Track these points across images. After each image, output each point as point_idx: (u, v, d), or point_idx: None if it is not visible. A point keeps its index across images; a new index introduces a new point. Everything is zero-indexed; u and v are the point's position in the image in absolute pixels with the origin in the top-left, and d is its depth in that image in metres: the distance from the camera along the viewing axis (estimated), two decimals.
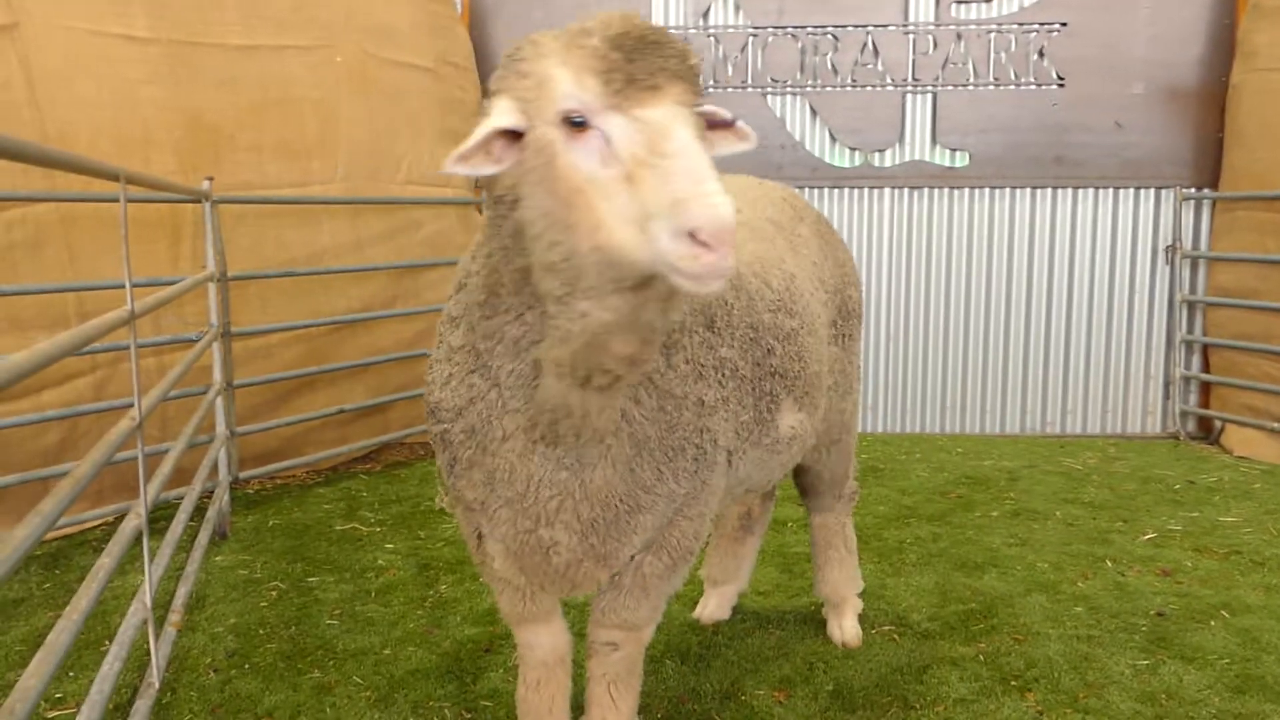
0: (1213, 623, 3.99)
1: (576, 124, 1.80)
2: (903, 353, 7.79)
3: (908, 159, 7.60)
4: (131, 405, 3.01)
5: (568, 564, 2.38)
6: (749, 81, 7.59)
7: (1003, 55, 7.45)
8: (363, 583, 4.47)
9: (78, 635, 2.24)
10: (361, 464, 6.60)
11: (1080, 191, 7.55)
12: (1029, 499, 5.78)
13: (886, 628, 3.98)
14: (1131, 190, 7.52)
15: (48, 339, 2.09)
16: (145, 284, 4.84)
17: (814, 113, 7.61)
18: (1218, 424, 7.36)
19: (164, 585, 4.15)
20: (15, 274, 4.81)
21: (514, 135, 1.89)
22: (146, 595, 3.09)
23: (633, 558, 2.53)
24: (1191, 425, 7.59)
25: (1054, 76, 7.43)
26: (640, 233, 1.73)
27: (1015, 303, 7.68)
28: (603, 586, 2.59)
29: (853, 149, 7.62)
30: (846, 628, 3.84)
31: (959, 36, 7.45)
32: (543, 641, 2.74)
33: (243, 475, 5.65)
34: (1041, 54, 7.42)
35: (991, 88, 7.48)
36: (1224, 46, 7.29)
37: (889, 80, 7.53)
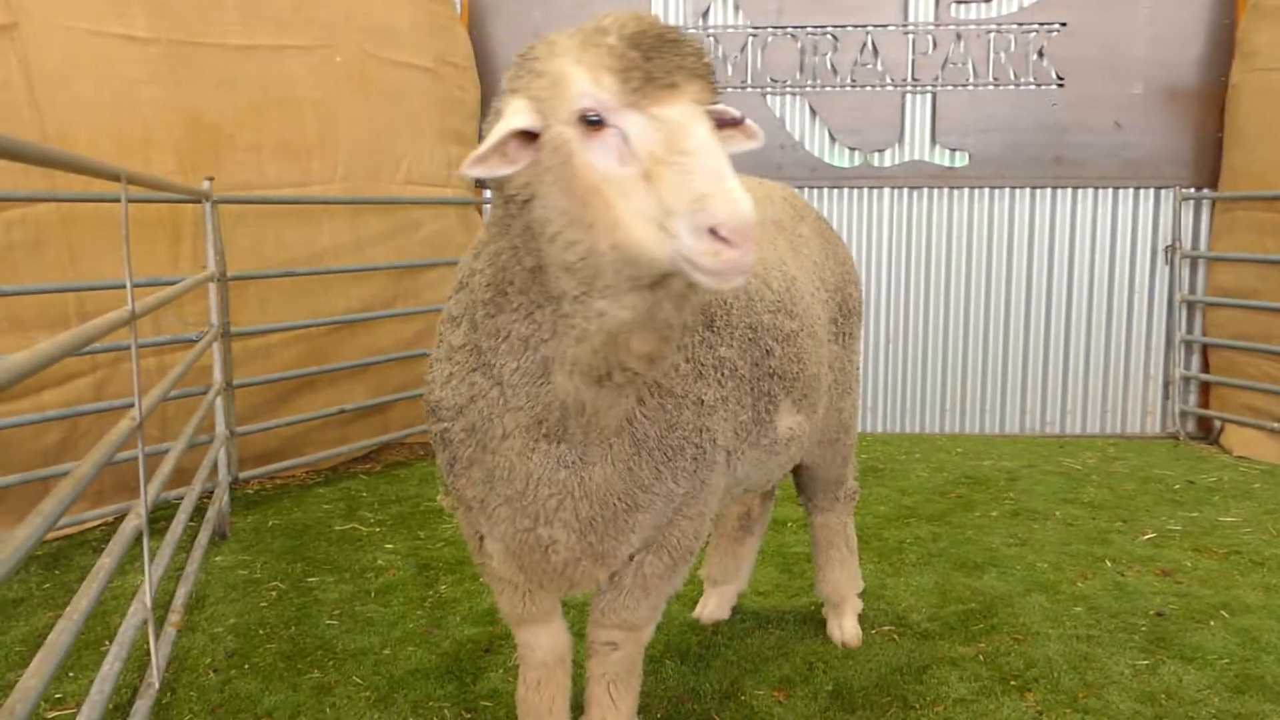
0: (1212, 623, 4.00)
1: (592, 123, 1.81)
2: (902, 353, 7.79)
3: (907, 159, 7.60)
4: (132, 405, 3.01)
5: (566, 562, 2.38)
6: (748, 81, 7.59)
7: (1002, 55, 7.45)
8: (362, 583, 4.47)
9: (78, 635, 2.24)
10: (361, 464, 6.60)
11: (1080, 191, 7.55)
12: (1029, 499, 5.78)
13: (886, 628, 3.98)
14: (1131, 190, 7.52)
15: (48, 339, 2.09)
16: (145, 284, 4.84)
17: (813, 113, 7.61)
18: (1217, 424, 7.36)
19: (164, 585, 4.15)
20: (15, 274, 4.81)
21: (529, 135, 1.89)
22: (146, 595, 3.09)
23: (632, 557, 2.53)
24: (1191, 425, 7.59)
25: (1053, 76, 7.43)
26: (658, 230, 1.74)
27: (1015, 303, 7.68)
28: (602, 586, 2.60)
29: (852, 149, 7.62)
30: (846, 628, 3.84)
31: (958, 36, 7.45)
32: (543, 642, 2.74)
33: (242, 475, 5.65)
34: (1041, 54, 7.42)
35: (991, 88, 7.48)
36: (1224, 46, 7.29)
37: (888, 80, 7.53)
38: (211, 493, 5.19)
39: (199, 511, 4.84)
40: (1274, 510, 5.56)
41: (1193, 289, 7.51)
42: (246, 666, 3.64)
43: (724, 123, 1.99)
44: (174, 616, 3.70)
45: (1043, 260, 7.61)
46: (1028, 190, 7.58)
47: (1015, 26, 7.42)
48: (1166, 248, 7.52)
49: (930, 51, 7.48)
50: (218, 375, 5.21)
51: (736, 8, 7.55)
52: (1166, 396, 7.66)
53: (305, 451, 6.19)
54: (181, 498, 4.38)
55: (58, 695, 3.41)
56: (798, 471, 3.59)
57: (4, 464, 4.76)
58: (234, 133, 5.70)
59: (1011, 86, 7.47)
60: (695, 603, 4.08)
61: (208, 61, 5.57)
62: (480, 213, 7.40)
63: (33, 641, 3.82)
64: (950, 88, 7.50)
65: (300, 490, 5.99)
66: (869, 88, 7.55)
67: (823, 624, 3.93)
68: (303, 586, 4.43)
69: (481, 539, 2.49)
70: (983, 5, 7.43)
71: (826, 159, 7.63)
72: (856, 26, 7.50)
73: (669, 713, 3.32)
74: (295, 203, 5.97)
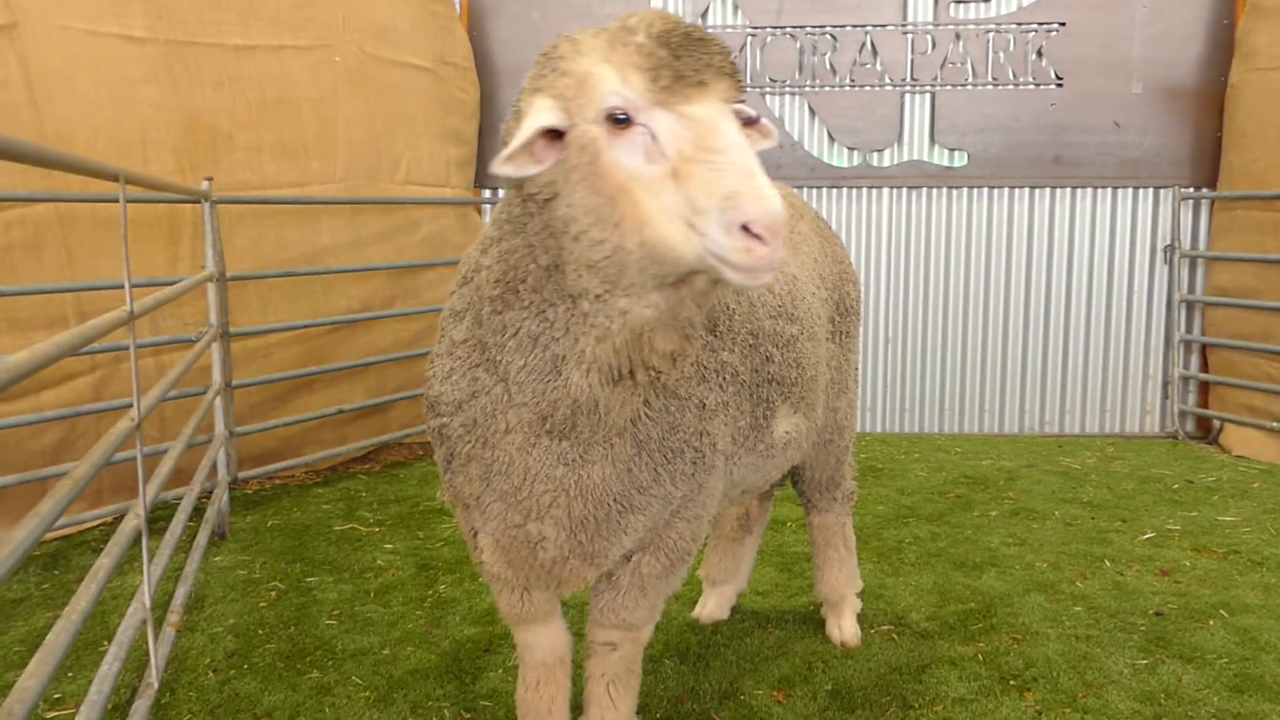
0: (1211, 622, 4.00)
1: (619, 121, 1.81)
2: (901, 353, 7.79)
3: (906, 159, 7.60)
4: (130, 405, 3.01)
5: (554, 560, 2.38)
6: (747, 81, 7.58)
7: (1001, 55, 7.45)
8: (362, 583, 4.47)
9: (76, 636, 2.24)
10: (361, 464, 6.60)
11: (1079, 191, 7.55)
12: (1028, 499, 5.79)
13: (885, 627, 3.98)
14: (1130, 190, 7.52)
15: (47, 339, 2.09)
16: (144, 284, 4.85)
17: (812, 112, 7.61)
18: (1216, 423, 7.37)
19: (163, 586, 4.15)
20: (14, 274, 4.81)
21: (554, 134, 1.89)
22: (145, 595, 3.08)
23: (629, 558, 2.53)
24: (1190, 425, 7.59)
25: (1052, 76, 7.43)
26: (686, 228, 1.76)
27: (1014, 302, 7.68)
28: (597, 586, 2.60)
29: (851, 149, 7.62)
30: (845, 627, 3.84)
31: (957, 36, 7.45)
32: (542, 642, 2.74)
33: (242, 475, 5.65)
34: (1040, 54, 7.43)
35: (990, 87, 7.48)
36: (1223, 46, 7.29)
37: (887, 80, 7.53)
38: (211, 493, 5.19)
39: (198, 512, 4.84)
40: (1273, 510, 5.56)
41: (1192, 289, 7.52)
42: (246, 667, 3.64)
43: (743, 121, 2.00)
44: (173, 617, 3.70)
45: (1042, 260, 7.61)
46: (1027, 190, 7.58)
47: (1014, 26, 7.42)
48: (1165, 247, 7.53)
49: (929, 51, 7.48)
50: (217, 375, 5.20)
51: (736, 7, 7.55)
52: (1165, 396, 7.66)
53: (304, 451, 6.19)
54: (180, 498, 4.38)
55: (56, 695, 3.41)
56: (795, 472, 3.59)
57: (2, 464, 4.76)
58: (233, 133, 5.69)
59: (1010, 86, 7.47)
60: (694, 603, 4.08)
61: (207, 61, 5.57)
62: (480, 213, 7.41)
63: (31, 642, 3.82)
64: (949, 87, 7.50)
65: (299, 490, 5.99)
66: (868, 88, 7.55)
67: (822, 624, 3.93)
68: (302, 586, 4.42)
69: (476, 534, 2.50)
70: (981, 5, 7.43)
71: (825, 159, 7.63)
72: (855, 26, 7.50)
73: (668, 712, 3.32)
74: (294, 203, 5.97)
